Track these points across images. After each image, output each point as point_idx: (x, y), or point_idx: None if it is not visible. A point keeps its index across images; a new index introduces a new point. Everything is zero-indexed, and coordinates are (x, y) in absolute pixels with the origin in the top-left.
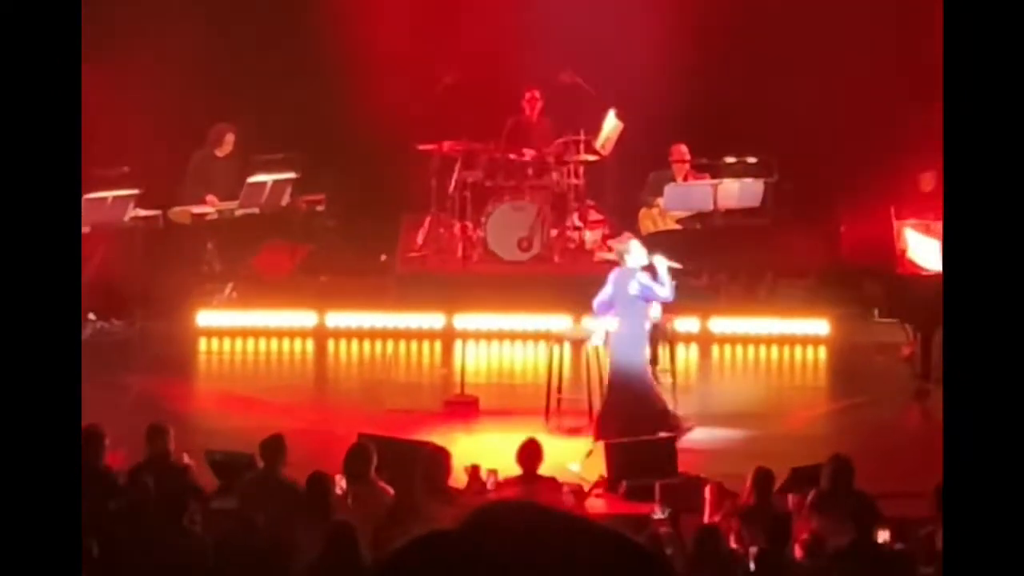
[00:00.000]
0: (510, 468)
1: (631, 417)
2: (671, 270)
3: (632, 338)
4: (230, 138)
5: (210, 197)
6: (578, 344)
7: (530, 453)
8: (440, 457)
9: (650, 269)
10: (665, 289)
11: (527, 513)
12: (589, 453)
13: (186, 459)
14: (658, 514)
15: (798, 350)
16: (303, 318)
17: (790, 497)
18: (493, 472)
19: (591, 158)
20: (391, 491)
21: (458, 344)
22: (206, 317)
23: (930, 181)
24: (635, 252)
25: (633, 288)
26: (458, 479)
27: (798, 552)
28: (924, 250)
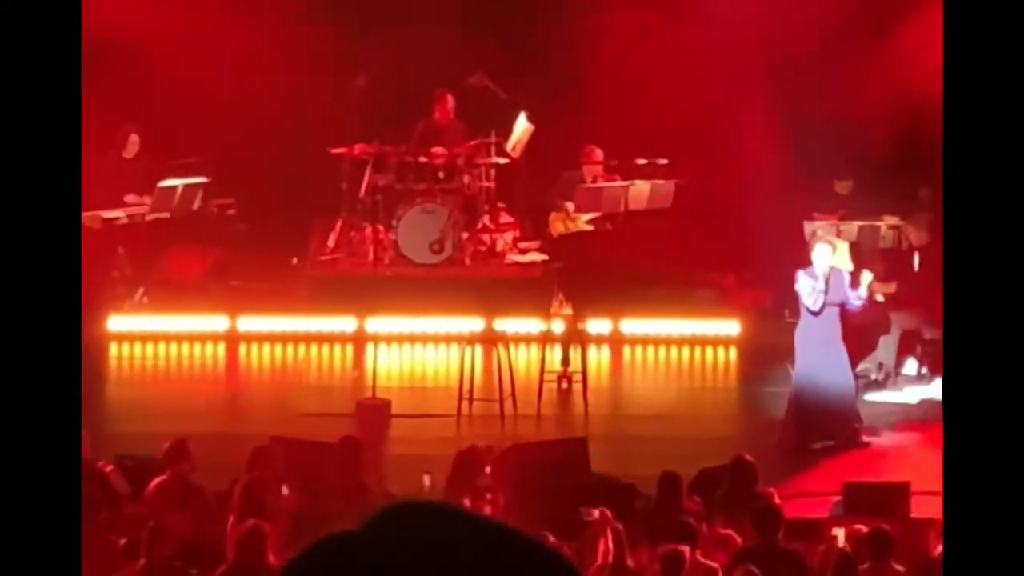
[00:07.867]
0: (425, 470)
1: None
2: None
3: (807, 329)
4: (134, 139)
5: (130, 197)
6: (490, 347)
7: (469, 461)
8: (354, 451)
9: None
10: (810, 295)
11: (437, 515)
12: (501, 455)
13: (107, 467)
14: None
15: (709, 351)
16: (215, 322)
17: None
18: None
19: (502, 160)
20: (288, 493)
21: (370, 347)
22: (117, 322)
23: (846, 187)
24: (815, 255)
25: (796, 285)
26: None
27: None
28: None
